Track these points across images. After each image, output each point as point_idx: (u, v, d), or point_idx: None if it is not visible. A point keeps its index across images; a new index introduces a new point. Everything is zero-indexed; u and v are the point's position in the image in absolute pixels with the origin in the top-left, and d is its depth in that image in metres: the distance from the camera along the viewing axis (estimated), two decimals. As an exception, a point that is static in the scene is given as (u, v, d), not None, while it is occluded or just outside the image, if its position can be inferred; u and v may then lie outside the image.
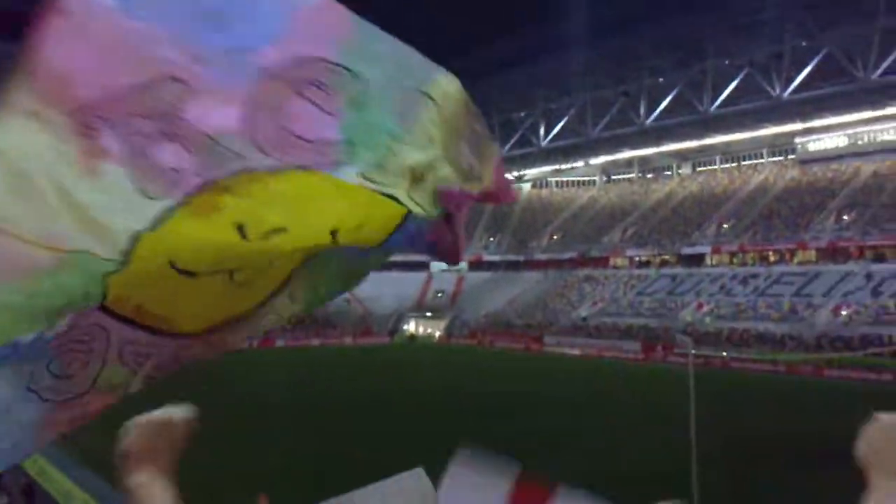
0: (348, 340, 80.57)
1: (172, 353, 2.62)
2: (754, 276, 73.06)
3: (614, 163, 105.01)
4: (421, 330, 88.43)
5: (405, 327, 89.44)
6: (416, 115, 2.12)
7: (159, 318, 2.60)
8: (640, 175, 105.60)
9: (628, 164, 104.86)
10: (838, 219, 74.47)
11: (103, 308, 2.36)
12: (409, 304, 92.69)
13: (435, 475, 1.97)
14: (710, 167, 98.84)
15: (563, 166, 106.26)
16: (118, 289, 2.26)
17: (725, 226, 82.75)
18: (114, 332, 2.44)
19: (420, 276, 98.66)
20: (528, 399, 38.79)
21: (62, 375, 2.35)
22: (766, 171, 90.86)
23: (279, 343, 76.57)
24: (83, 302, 2.19)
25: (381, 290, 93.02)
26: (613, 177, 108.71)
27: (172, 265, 2.25)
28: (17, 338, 2.10)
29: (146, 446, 1.72)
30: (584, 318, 77.47)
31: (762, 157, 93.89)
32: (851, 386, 43.37)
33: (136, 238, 2.12)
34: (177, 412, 1.82)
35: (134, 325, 2.52)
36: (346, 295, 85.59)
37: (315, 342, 77.98)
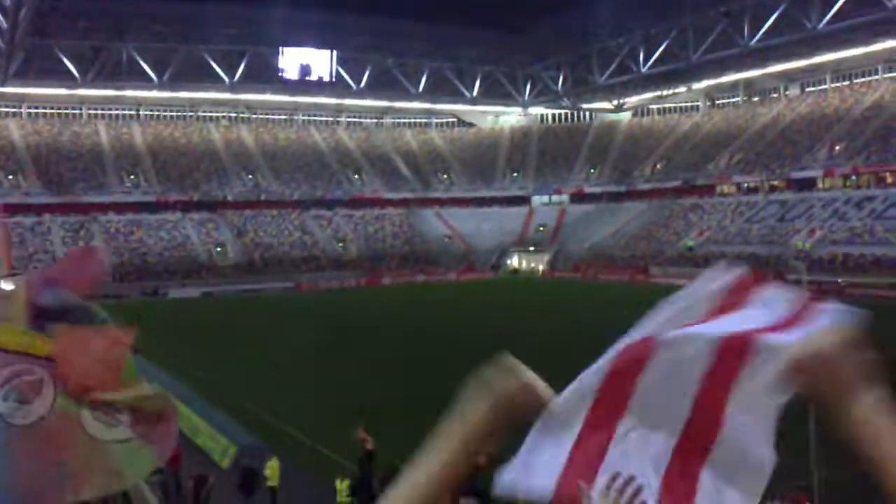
0: (451, 276, 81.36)
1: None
2: (870, 198, 70.23)
3: (718, 87, 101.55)
4: (524, 264, 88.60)
5: (508, 262, 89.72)
6: None
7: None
8: (745, 99, 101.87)
9: (732, 87, 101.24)
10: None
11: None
12: (511, 239, 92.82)
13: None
14: (819, 87, 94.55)
15: (665, 92, 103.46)
16: None
17: (837, 148, 79.42)
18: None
19: (521, 210, 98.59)
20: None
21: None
22: (882, 89, 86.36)
23: (385, 281, 78.05)
24: None
25: (481, 225, 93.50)
26: (717, 101, 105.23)
27: None
28: None
29: (501, 404, 1.57)
30: (691, 248, 76.20)
31: (876, 74, 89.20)
32: None
33: None
34: (542, 384, 1.61)
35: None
36: (448, 231, 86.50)
37: (419, 279, 79.07)
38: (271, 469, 19.11)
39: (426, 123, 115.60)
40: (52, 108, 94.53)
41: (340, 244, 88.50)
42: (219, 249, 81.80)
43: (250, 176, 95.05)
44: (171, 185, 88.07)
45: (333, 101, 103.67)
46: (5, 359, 2.58)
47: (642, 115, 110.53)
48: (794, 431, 5.91)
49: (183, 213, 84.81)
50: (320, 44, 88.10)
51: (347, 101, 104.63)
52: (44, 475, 2.49)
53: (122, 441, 2.81)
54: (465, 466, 1.55)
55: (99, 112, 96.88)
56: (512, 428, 1.58)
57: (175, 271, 74.73)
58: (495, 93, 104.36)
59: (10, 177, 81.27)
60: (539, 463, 1.61)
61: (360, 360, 33.54)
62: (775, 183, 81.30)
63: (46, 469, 2.48)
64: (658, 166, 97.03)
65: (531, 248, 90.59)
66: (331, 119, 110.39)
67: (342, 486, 16.91)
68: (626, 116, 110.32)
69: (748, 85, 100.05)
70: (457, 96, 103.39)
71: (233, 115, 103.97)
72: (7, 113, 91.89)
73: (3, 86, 79.43)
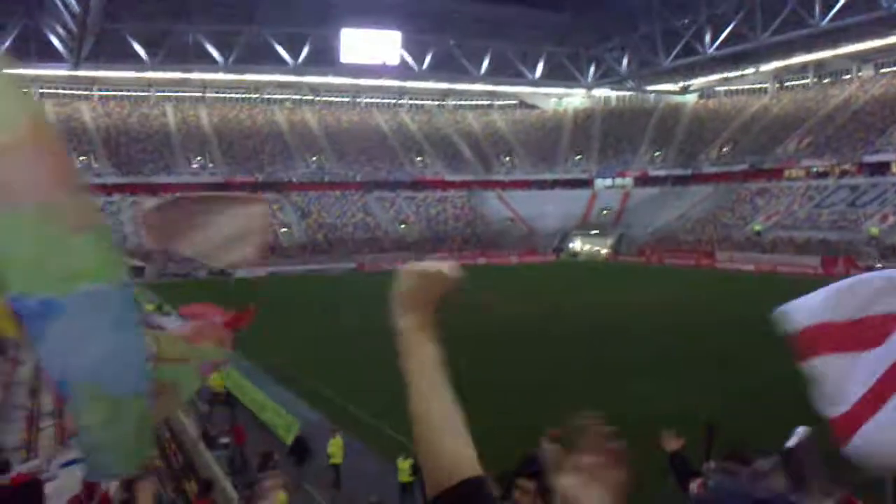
0: (513, 259, 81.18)
1: None
2: (947, 183, 68.07)
3: (787, 68, 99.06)
4: (587, 248, 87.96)
5: (570, 245, 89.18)
6: None
7: None
8: (815, 80, 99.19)
9: (802, 69, 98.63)
10: None
11: None
12: (573, 223, 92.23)
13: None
14: (894, 68, 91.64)
15: (732, 74, 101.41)
16: None
17: (913, 130, 77.05)
18: None
19: (584, 193, 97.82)
20: (700, 318, 38.22)
21: None
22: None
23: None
24: None
25: (544, 208, 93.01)
26: (786, 83, 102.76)
27: None
28: None
29: (415, 293, 1.82)
30: (759, 233, 74.82)
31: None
32: None
33: None
34: (447, 265, 1.87)
35: None
36: (509, 214, 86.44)
37: (480, 261, 79.07)
38: (335, 446, 19.34)
39: (488, 106, 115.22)
40: (121, 91, 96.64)
41: (402, 226, 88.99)
42: (284, 230, 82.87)
43: (314, 158, 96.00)
44: (238, 167, 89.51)
45: (396, 83, 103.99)
46: None
47: (708, 97, 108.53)
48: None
49: (251, 192, 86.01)
50: (382, 26, 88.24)
51: (409, 84, 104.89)
52: None
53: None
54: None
55: (167, 94, 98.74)
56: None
57: (242, 251, 75.79)
58: (558, 74, 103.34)
59: (82, 158, 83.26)
60: None
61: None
62: (846, 167, 79.17)
63: None
64: (724, 149, 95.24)
65: (593, 232, 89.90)
66: (393, 101, 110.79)
67: (404, 464, 17.09)
68: (691, 98, 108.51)
69: (819, 66, 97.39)
70: (519, 78, 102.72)
71: (297, 97, 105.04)
72: (79, 96, 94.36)
73: (75, 69, 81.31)
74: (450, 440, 1.61)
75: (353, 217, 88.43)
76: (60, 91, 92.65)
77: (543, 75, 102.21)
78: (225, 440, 21.14)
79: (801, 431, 4.75)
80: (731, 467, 4.96)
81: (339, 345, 33.80)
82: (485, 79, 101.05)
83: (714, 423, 5.25)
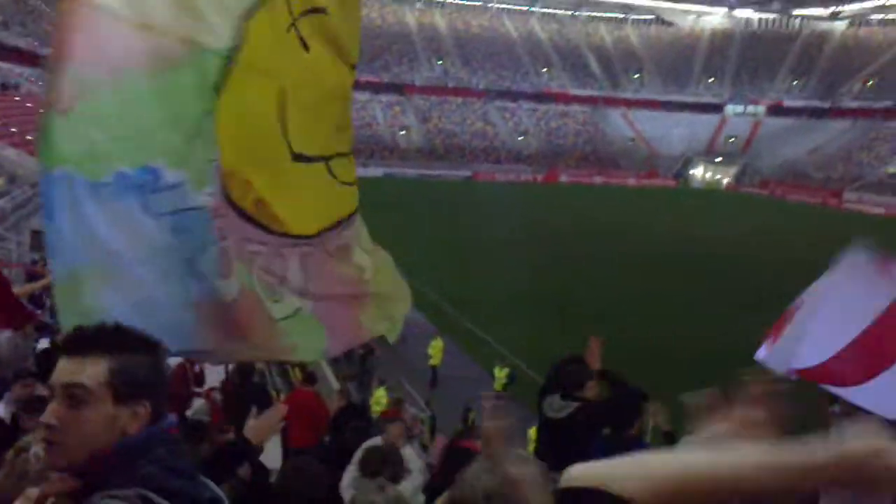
0: (631, 181, 79.60)
1: (279, 254, 2.97)
2: None
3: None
4: (709, 175, 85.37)
5: (692, 171, 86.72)
6: None
7: (275, 218, 2.88)
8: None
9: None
10: None
11: (230, 203, 2.68)
12: (698, 148, 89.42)
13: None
14: None
15: (890, 1, 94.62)
16: (234, 161, 2.62)
17: None
18: (235, 228, 2.77)
19: (713, 118, 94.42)
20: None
21: (221, 275, 2.75)
22: None
23: (563, 178, 77.56)
24: (213, 94, 2.60)
25: (669, 130, 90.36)
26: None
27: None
28: (159, 165, 2.53)
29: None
30: (893, 175, 70.87)
31: None
32: None
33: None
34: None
35: (252, 221, 2.82)
36: (632, 134, 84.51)
37: (597, 180, 77.94)
38: (435, 348, 20.00)
39: (622, 19, 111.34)
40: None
41: (521, 137, 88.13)
42: (402, 133, 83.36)
43: (439, 62, 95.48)
44: (363, 66, 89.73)
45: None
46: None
47: (860, 25, 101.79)
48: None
49: (372, 94, 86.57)
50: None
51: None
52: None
53: (289, 316, 3.10)
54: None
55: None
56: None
57: (359, 150, 76.98)
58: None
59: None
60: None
61: (534, 257, 33.83)
62: None
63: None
64: (869, 83, 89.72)
65: (718, 159, 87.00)
66: (524, 8, 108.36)
67: (501, 374, 17.52)
68: (841, 26, 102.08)
69: None
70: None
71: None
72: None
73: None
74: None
75: (473, 125, 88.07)
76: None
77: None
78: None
79: None
80: (858, 415, 4.94)
81: (450, 251, 34.31)
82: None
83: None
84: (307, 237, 3.05)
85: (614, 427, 5.46)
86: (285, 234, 2.97)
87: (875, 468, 1.19)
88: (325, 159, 3.06)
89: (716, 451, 1.32)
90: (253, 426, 3.36)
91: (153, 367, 1.79)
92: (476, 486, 1.78)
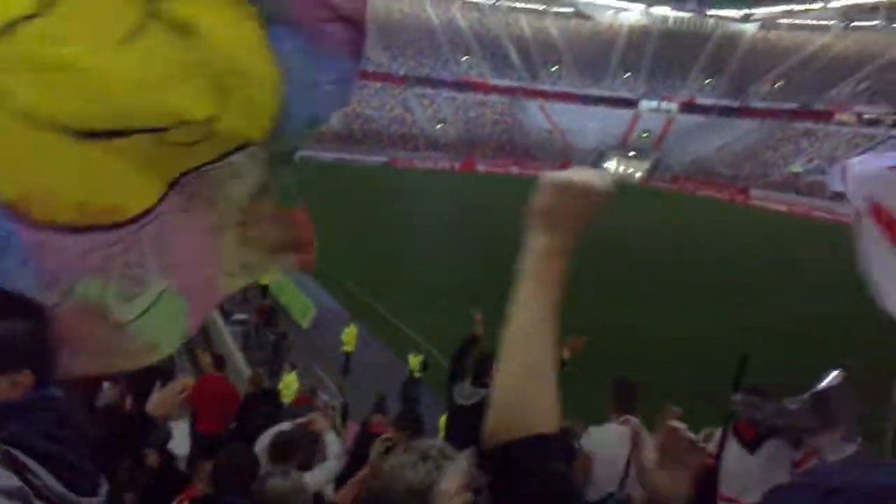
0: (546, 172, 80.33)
1: (134, 241, 2.58)
2: None
3: (857, 7, 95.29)
4: (622, 169, 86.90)
5: (605, 165, 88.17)
6: None
7: (109, 210, 2.52)
8: (884, 23, 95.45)
9: (873, 9, 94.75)
10: None
11: (39, 226, 2.34)
12: (612, 142, 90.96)
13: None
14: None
15: (798, 7, 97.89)
16: (11, 189, 2.27)
17: (977, 88, 74.36)
18: (61, 248, 2.40)
19: (627, 113, 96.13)
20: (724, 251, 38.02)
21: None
22: None
23: (479, 168, 77.93)
24: None
25: (584, 123, 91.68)
26: (853, 23, 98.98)
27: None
28: None
29: (554, 210, 1.54)
30: (797, 174, 73.45)
31: None
32: None
33: None
34: (598, 177, 1.57)
35: (80, 230, 2.44)
36: (549, 126, 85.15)
37: (514, 170, 78.61)
38: (348, 335, 19.92)
39: (543, 11, 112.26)
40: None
41: (439, 125, 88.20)
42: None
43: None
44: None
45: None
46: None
47: (769, 28, 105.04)
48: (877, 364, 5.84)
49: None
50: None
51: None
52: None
53: (150, 308, 2.84)
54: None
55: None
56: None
57: (275, 133, 75.85)
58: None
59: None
60: None
61: (450, 245, 33.92)
62: (899, 117, 77.04)
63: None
64: (777, 85, 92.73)
65: (631, 154, 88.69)
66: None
67: (415, 361, 17.51)
68: (751, 28, 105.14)
69: (891, 8, 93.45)
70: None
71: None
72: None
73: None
74: (537, 388, 1.39)
75: (391, 111, 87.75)
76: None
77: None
78: (241, 316, 21.69)
79: (835, 373, 4.81)
80: (756, 401, 5.07)
81: (365, 238, 34.09)
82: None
83: (747, 354, 5.27)
84: (150, 210, 2.70)
85: None
86: (128, 221, 2.63)
87: (585, 193, 1.51)
88: (146, 131, 2.59)
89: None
90: (154, 400, 3.27)
91: (33, 334, 1.69)
92: (399, 480, 1.73)
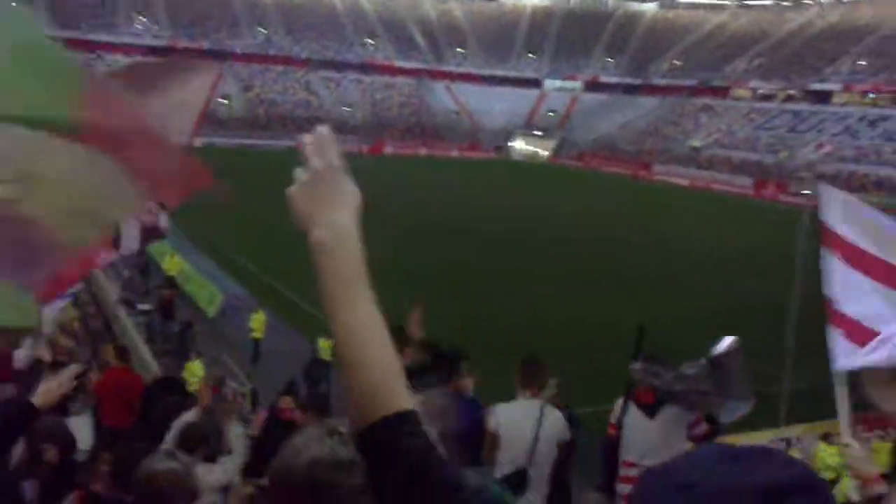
0: (454, 153, 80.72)
1: None
2: (885, 118, 69.03)
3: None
4: (529, 148, 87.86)
5: (512, 144, 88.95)
6: None
7: None
8: (776, 2, 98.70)
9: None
10: None
11: None
12: (518, 122, 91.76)
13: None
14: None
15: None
16: None
17: (862, 63, 77.49)
18: None
19: (532, 92, 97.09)
20: (630, 228, 38.79)
21: None
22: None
23: (387, 150, 77.68)
24: None
25: (491, 104, 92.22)
26: (747, 2, 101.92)
27: None
28: None
29: (305, 207, 1.51)
30: (696, 149, 75.47)
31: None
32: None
33: None
34: (321, 153, 1.55)
35: None
36: (456, 107, 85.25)
37: (422, 151, 78.57)
38: (256, 321, 19.63)
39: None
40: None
41: (346, 108, 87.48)
42: (224, 101, 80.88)
43: (261, 29, 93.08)
44: (182, 31, 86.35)
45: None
46: None
47: (668, 7, 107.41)
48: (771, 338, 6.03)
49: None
50: None
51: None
52: None
53: None
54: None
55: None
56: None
57: (177, 119, 73.99)
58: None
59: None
60: None
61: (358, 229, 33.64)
62: (792, 92, 79.76)
63: None
64: (677, 63, 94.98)
65: (538, 133, 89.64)
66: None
67: (325, 345, 17.29)
68: (651, 7, 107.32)
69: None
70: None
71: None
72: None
73: None
74: (378, 366, 1.35)
75: (296, 95, 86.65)
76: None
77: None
78: (145, 307, 21.20)
79: (729, 340, 4.94)
80: (655, 369, 5.17)
81: (273, 224, 33.51)
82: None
83: (645, 325, 5.39)
84: None
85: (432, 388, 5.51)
86: None
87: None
88: None
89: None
90: (42, 388, 3.18)
91: None
92: (303, 453, 1.70)
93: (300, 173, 1.51)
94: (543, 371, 5.60)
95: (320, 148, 1.54)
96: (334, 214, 1.48)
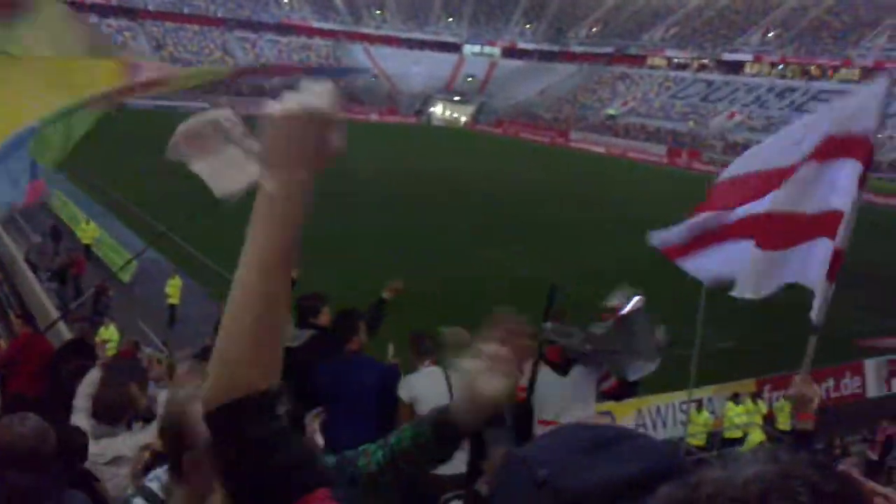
0: (374, 117, 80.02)
1: None
2: (792, 89, 71.22)
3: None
4: (448, 114, 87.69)
5: (431, 109, 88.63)
6: None
7: None
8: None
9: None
10: (892, 38, 71.42)
11: None
12: (437, 86, 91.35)
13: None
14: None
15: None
16: None
17: (771, 34, 79.56)
18: None
19: (451, 57, 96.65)
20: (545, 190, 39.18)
21: None
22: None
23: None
24: None
25: (410, 68, 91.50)
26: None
27: None
28: None
29: (282, 145, 1.29)
30: (613, 117, 76.53)
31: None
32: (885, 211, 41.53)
33: None
34: (322, 98, 1.30)
35: None
36: (374, 70, 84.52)
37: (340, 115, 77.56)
38: (172, 287, 19.30)
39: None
40: None
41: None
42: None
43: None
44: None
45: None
46: None
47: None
48: (685, 297, 6.15)
49: (100, 17, 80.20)
50: None
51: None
52: None
53: None
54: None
55: None
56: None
57: (85, 78, 71.48)
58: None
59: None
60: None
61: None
62: (705, 62, 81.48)
63: None
64: (594, 30, 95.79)
65: (456, 98, 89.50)
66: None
67: None
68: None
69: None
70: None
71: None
72: None
73: None
74: (251, 346, 1.21)
75: (211, 55, 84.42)
76: None
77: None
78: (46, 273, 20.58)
79: (635, 300, 5.15)
80: (566, 329, 5.29)
81: (189, 188, 32.73)
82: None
83: (559, 285, 5.46)
84: None
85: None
86: None
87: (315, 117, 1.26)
88: None
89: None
90: None
91: None
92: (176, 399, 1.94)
93: (292, 99, 1.30)
94: (432, 340, 5.75)
95: (324, 95, 1.31)
96: (300, 171, 1.30)
